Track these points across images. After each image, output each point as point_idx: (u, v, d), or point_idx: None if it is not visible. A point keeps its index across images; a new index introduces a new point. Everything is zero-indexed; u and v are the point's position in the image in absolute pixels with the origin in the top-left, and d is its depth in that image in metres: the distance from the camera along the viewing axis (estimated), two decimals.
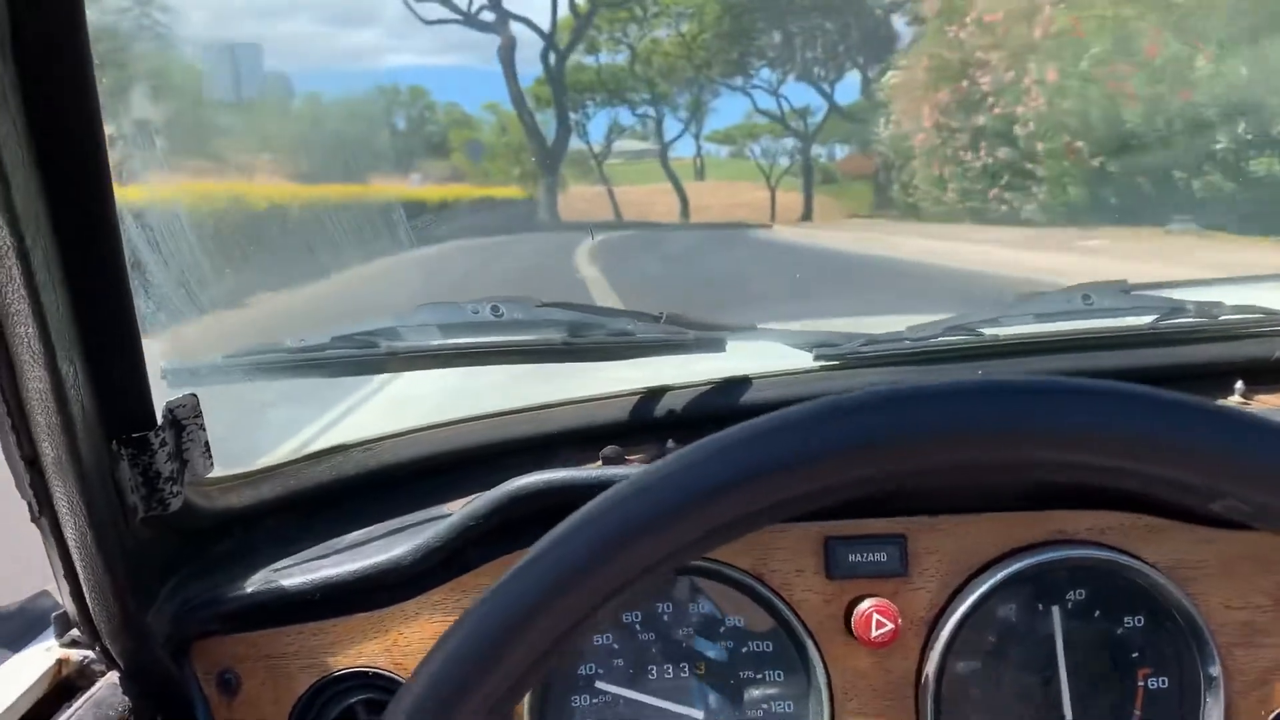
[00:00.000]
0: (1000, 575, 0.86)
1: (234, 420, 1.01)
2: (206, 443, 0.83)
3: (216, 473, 0.88)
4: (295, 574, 0.88)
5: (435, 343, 0.98)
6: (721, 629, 0.90)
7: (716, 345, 1.10)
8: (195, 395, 0.80)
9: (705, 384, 1.08)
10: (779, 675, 0.89)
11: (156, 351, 0.84)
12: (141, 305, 0.74)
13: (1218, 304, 1.16)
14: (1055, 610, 0.88)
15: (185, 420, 0.79)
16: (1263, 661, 0.88)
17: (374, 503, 0.98)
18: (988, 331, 1.13)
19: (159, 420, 0.77)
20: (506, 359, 1.00)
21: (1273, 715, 0.88)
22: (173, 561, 0.87)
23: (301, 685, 0.87)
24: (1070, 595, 0.89)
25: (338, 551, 0.91)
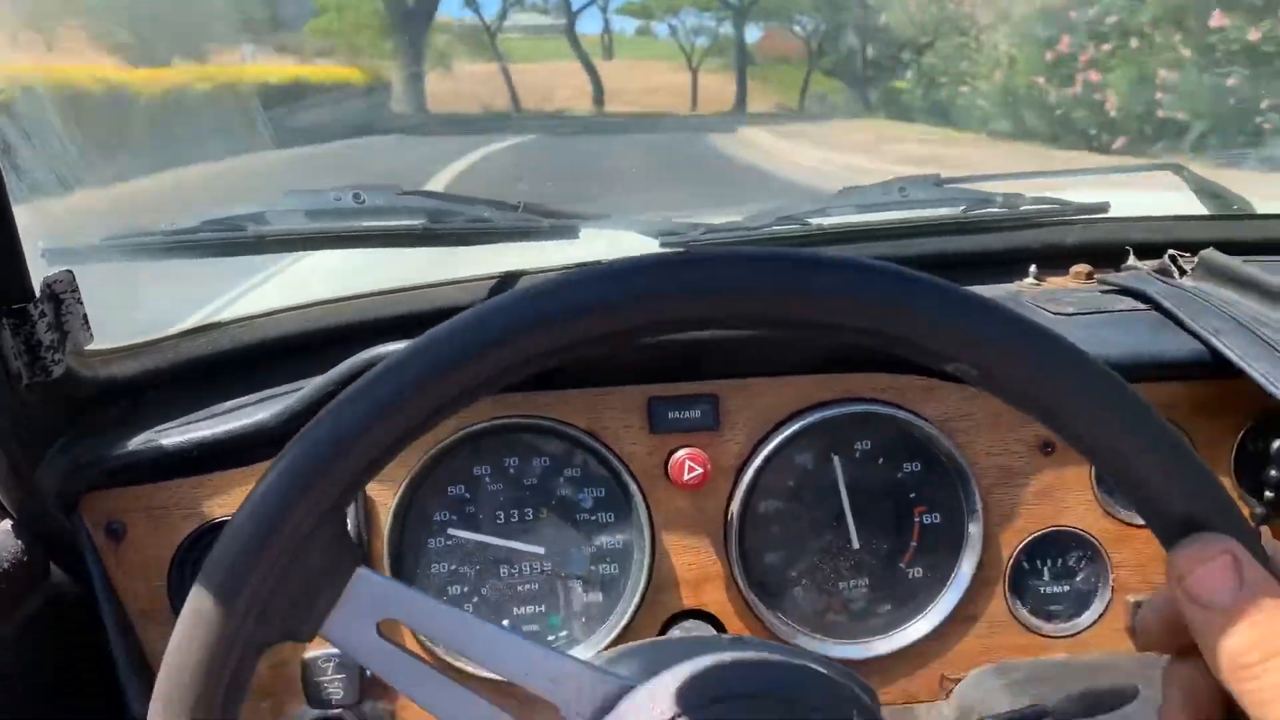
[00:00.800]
0: (796, 427, 1.00)
1: (127, 301, 1.09)
2: (85, 315, 0.91)
3: (100, 346, 0.98)
4: (175, 434, 0.97)
5: (300, 227, 1.06)
6: (561, 478, 1.03)
7: (570, 232, 1.20)
8: (71, 271, 0.88)
9: (558, 269, 1.19)
10: (611, 516, 1.03)
11: (36, 233, 0.92)
12: (13, 186, 0.81)
13: (1019, 196, 1.30)
14: (843, 457, 1.03)
15: (63, 294, 0.87)
16: (1016, 499, 1.04)
17: (248, 375, 1.08)
18: (814, 221, 1.26)
19: (37, 294, 0.86)
20: (368, 244, 1.09)
21: (1023, 543, 1.04)
22: (59, 425, 0.96)
23: (182, 532, 0.98)
24: (858, 445, 1.03)
25: (213, 416, 1.00)
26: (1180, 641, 0.49)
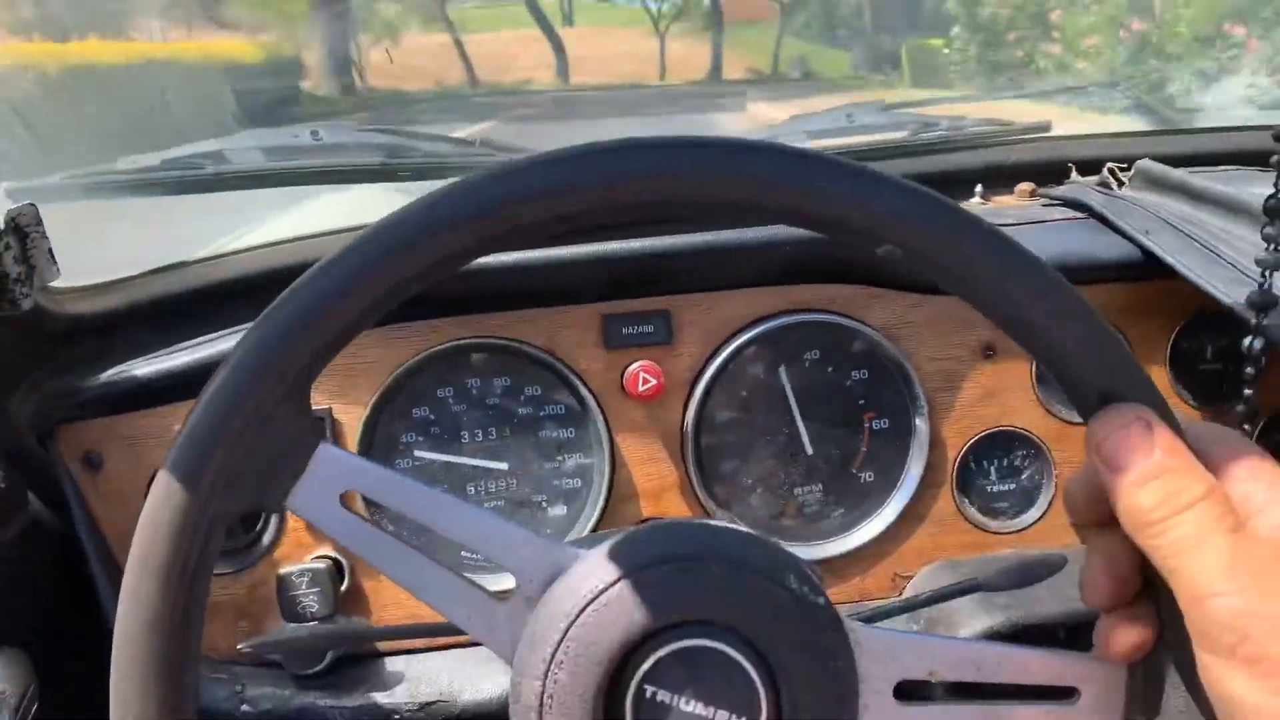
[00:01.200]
0: (746, 338, 1.04)
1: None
2: (50, 250, 0.94)
3: (67, 284, 1.00)
4: (148, 366, 1.00)
5: (259, 165, 1.09)
6: (522, 396, 1.06)
7: None
8: (34, 205, 0.91)
9: None
10: (571, 432, 1.06)
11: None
12: None
13: (963, 118, 1.34)
14: (793, 367, 1.07)
15: (28, 227, 0.90)
16: (960, 401, 1.08)
17: (218, 312, 1.10)
18: None
19: (1, 227, 0.88)
20: (325, 180, 1.11)
21: (968, 443, 1.09)
22: (30, 361, 0.98)
23: (157, 461, 1.01)
24: (807, 355, 1.07)
25: (186, 348, 1.03)
26: (1102, 510, 0.52)
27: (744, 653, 0.56)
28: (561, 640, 0.54)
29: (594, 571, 0.56)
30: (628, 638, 0.54)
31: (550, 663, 0.54)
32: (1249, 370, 0.87)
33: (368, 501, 0.88)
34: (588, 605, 0.55)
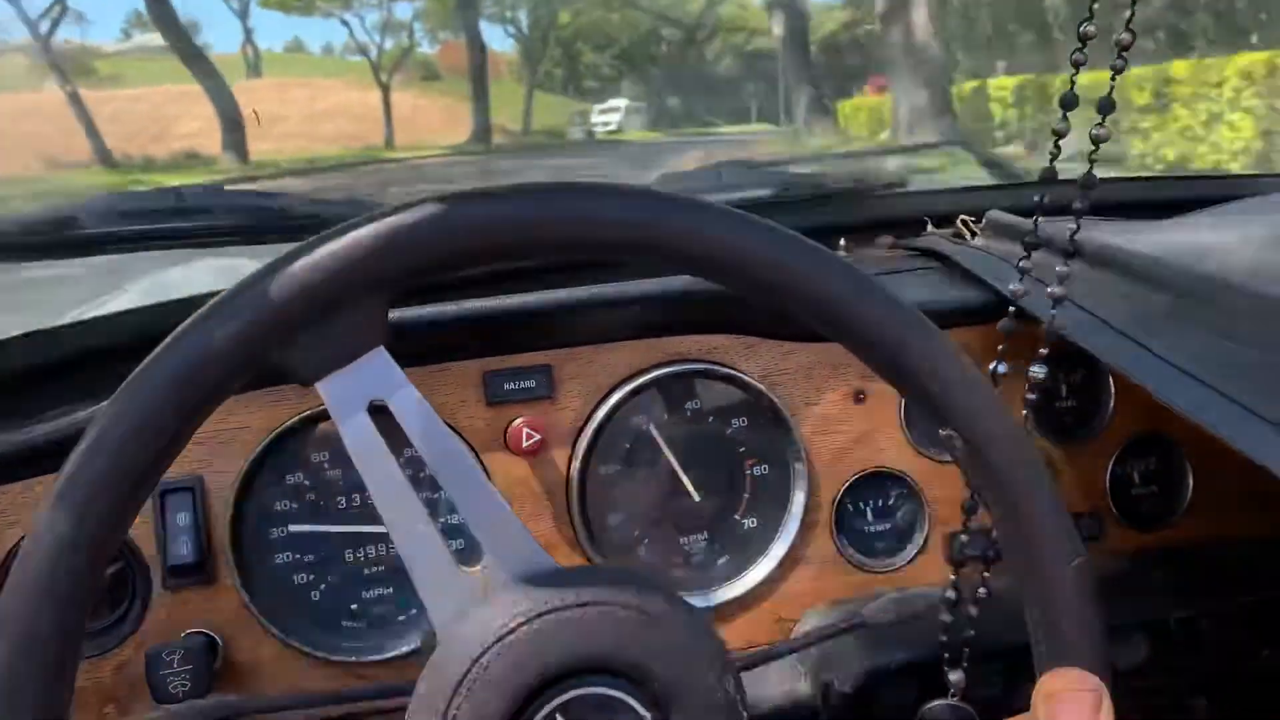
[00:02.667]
0: (626, 390, 1.05)
1: None
2: None
3: None
4: (5, 439, 0.95)
5: (113, 229, 1.05)
6: (401, 458, 1.04)
7: None
8: None
9: None
10: None
11: None
12: None
13: (824, 174, 1.40)
14: (674, 417, 1.08)
15: None
16: (835, 444, 1.11)
17: (84, 379, 1.05)
18: None
19: None
20: (185, 244, 1.08)
21: (845, 485, 1.12)
22: None
23: (7, 541, 0.95)
24: (688, 405, 1.09)
25: (40, 421, 0.98)
26: None
27: (643, 703, 0.56)
28: (474, 662, 0.55)
29: (565, 589, 0.58)
30: (544, 673, 0.55)
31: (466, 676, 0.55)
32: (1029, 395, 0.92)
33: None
34: (520, 627, 0.56)
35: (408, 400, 0.60)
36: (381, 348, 0.59)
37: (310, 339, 0.56)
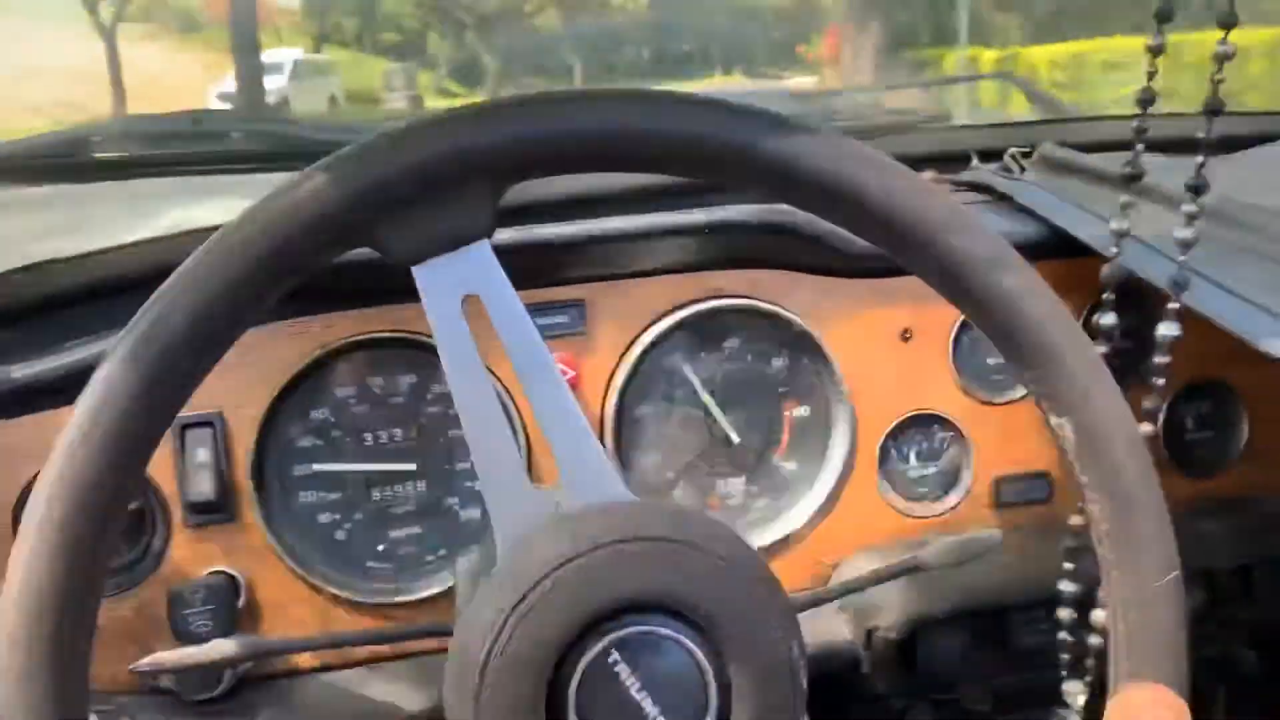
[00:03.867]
0: (663, 327, 1.00)
1: None
2: None
3: None
4: (14, 370, 0.91)
5: (131, 153, 1.01)
6: (429, 394, 1.00)
7: None
8: None
9: None
10: None
11: None
12: None
13: (869, 107, 1.34)
14: (712, 355, 1.04)
15: None
16: (879, 386, 1.07)
17: (93, 311, 1.01)
18: None
19: None
20: (202, 169, 1.04)
21: (888, 428, 1.07)
22: None
23: (24, 475, 0.91)
24: (726, 343, 1.04)
25: (58, 350, 0.94)
26: None
27: (704, 650, 0.53)
28: (538, 583, 0.51)
29: (638, 521, 0.54)
30: (606, 604, 0.52)
31: (520, 601, 0.51)
32: (1159, 361, 0.88)
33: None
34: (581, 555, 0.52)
35: (504, 298, 0.56)
36: (486, 240, 0.55)
37: (417, 218, 0.53)
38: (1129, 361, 1.13)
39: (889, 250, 0.57)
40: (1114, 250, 0.91)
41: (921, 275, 0.57)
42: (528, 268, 0.98)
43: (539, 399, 0.56)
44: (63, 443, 0.51)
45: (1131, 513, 0.56)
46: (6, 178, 0.96)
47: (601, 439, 1.01)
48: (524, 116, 0.53)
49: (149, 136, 1.02)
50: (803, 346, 1.05)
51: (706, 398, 1.03)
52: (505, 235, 0.98)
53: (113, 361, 0.51)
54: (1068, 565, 0.89)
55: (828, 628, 1.04)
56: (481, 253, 0.55)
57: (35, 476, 0.90)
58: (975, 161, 1.31)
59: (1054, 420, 0.57)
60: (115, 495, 0.51)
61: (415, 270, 0.55)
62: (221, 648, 0.76)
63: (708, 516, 0.57)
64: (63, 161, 0.98)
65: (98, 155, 0.99)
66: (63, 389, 0.91)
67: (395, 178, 0.51)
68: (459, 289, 0.55)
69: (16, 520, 0.92)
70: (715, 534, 0.55)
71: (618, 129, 0.53)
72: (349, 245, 0.53)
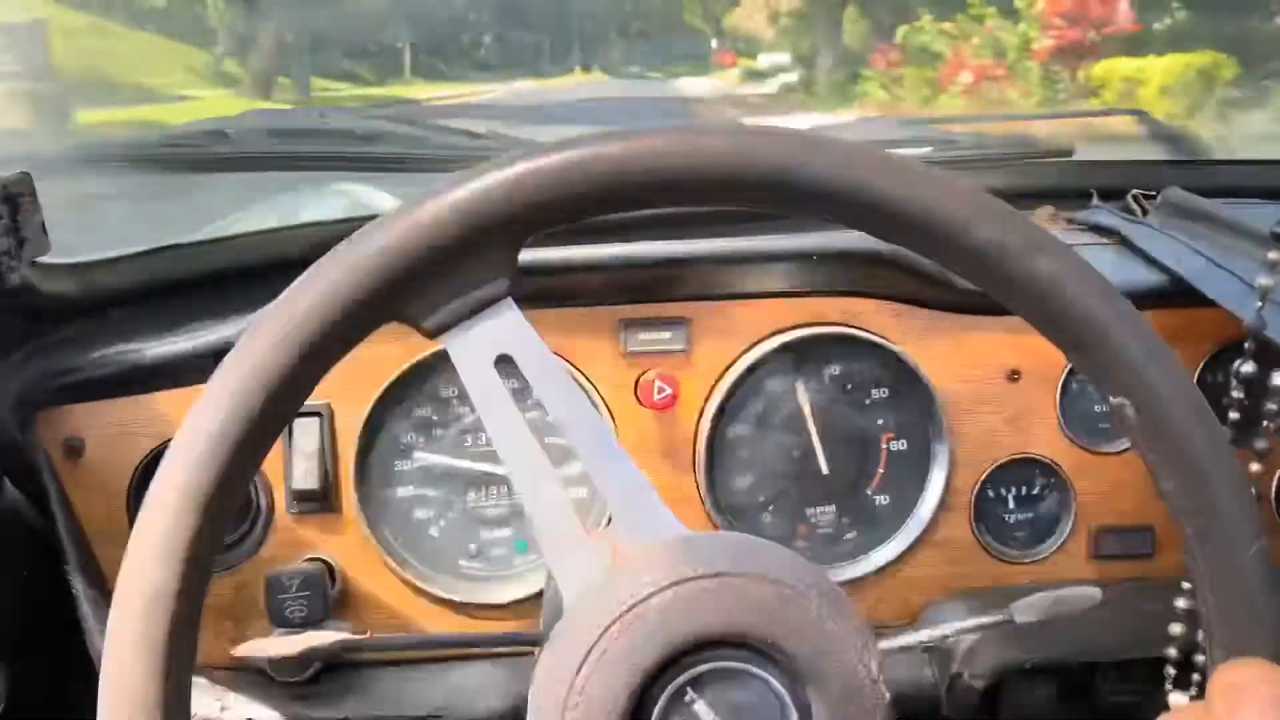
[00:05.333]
0: (765, 350, 1.00)
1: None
2: (43, 223, 0.89)
3: (58, 259, 0.95)
4: (138, 350, 0.95)
5: (261, 147, 1.04)
6: (530, 400, 1.01)
7: None
8: (29, 173, 0.86)
9: None
10: None
11: None
12: None
13: (985, 137, 1.32)
14: (812, 382, 1.03)
15: (19, 196, 0.85)
16: (982, 426, 1.04)
17: (213, 298, 1.05)
18: None
19: None
20: (328, 166, 1.07)
21: (988, 470, 1.05)
22: (15, 339, 0.93)
23: (142, 450, 0.96)
24: (827, 370, 1.04)
25: (179, 332, 0.98)
26: None
27: (780, 679, 0.53)
28: (604, 633, 0.51)
29: (698, 557, 0.54)
30: (674, 646, 0.51)
31: (604, 632, 0.51)
32: (1271, 406, 0.85)
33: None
34: (670, 587, 0.52)
35: (536, 354, 0.56)
36: (510, 299, 0.55)
37: (435, 291, 0.54)
38: (1242, 417, 1.09)
39: (917, 249, 0.56)
40: (1259, 305, 0.87)
41: (960, 272, 0.56)
42: (634, 282, 1.00)
43: (584, 445, 0.57)
44: (185, 437, 0.52)
45: (1206, 484, 0.53)
46: (146, 167, 1.01)
47: (694, 458, 1.01)
48: (528, 176, 0.52)
49: (280, 132, 1.05)
50: (905, 379, 1.03)
51: (804, 424, 1.03)
52: (612, 250, 0.99)
53: (235, 368, 0.52)
54: (1175, 628, 0.86)
55: (909, 668, 1.02)
56: (507, 312, 0.55)
57: (152, 451, 0.95)
58: (1095, 200, 1.28)
59: (1113, 401, 0.55)
60: (229, 492, 0.53)
61: (444, 340, 0.55)
62: (317, 639, 0.78)
63: (767, 544, 0.56)
64: (200, 153, 1.02)
65: (231, 149, 1.03)
66: (184, 371, 0.95)
67: (408, 257, 0.52)
68: (490, 351, 0.55)
69: (130, 492, 0.96)
70: (776, 560, 0.54)
71: (634, 171, 0.53)
72: (377, 324, 0.54)
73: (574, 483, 1.00)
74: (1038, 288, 0.54)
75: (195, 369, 0.95)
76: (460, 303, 0.54)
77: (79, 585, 0.94)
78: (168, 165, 1.02)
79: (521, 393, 0.57)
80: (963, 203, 0.54)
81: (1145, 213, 1.21)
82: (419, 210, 0.52)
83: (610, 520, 0.57)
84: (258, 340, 0.52)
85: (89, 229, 1.08)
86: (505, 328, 0.56)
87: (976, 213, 0.54)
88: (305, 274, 0.52)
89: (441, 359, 0.98)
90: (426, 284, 0.53)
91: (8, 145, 0.96)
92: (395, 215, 0.53)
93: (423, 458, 1.01)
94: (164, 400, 0.95)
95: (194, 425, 0.52)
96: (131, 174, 1.01)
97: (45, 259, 0.89)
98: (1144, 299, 1.05)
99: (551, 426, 0.58)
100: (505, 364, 0.56)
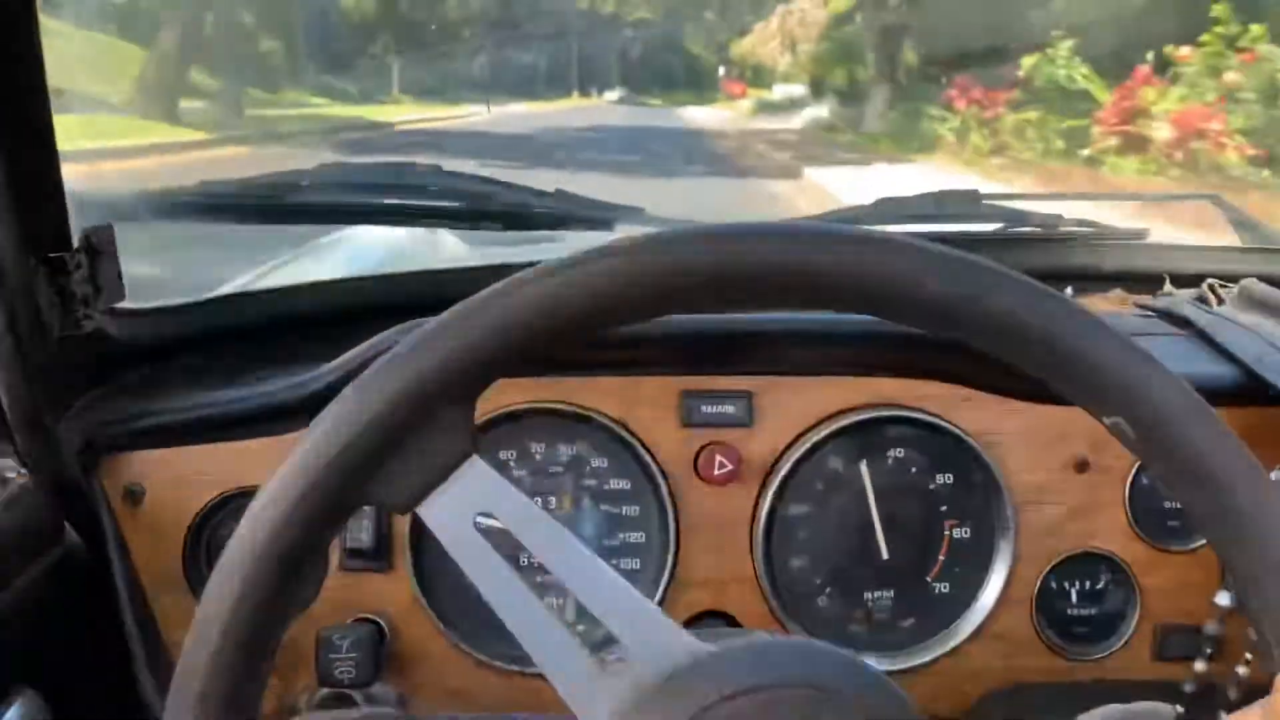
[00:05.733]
0: (830, 430, 0.98)
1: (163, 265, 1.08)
2: (120, 272, 0.90)
3: (130, 305, 0.96)
4: (203, 398, 0.96)
5: (337, 199, 1.05)
6: (587, 467, 1.01)
7: (604, 225, 1.19)
8: (111, 225, 0.87)
9: None
10: (635, 509, 1.01)
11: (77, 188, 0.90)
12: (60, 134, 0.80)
13: (1057, 216, 1.30)
14: (876, 464, 1.01)
15: (101, 246, 0.86)
16: (1048, 517, 1.02)
17: (279, 347, 1.06)
18: None
19: (75, 245, 0.84)
20: (404, 221, 1.07)
21: (1053, 563, 1.03)
22: (84, 383, 0.94)
23: (202, 500, 0.96)
24: (891, 452, 1.02)
25: (245, 382, 0.99)
26: None
27: None
28: None
29: (721, 675, 0.52)
30: None
31: None
32: None
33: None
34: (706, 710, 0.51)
35: (513, 505, 0.55)
36: (474, 456, 0.54)
37: (398, 471, 0.53)
38: None
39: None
40: None
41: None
42: (698, 353, 0.99)
43: (578, 585, 0.55)
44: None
45: (1218, 489, 0.52)
46: (220, 215, 1.02)
47: (752, 536, 1.00)
48: (463, 336, 0.51)
49: (355, 186, 1.06)
50: (971, 466, 1.01)
51: (866, 506, 1.01)
52: (673, 320, 0.97)
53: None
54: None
55: None
56: (474, 471, 0.54)
57: (210, 503, 0.95)
58: (1168, 286, 1.25)
59: (1107, 421, 0.53)
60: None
61: (419, 513, 0.54)
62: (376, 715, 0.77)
63: (799, 644, 0.55)
64: (271, 204, 1.03)
65: (303, 200, 1.04)
66: (245, 423, 0.96)
67: (357, 448, 0.51)
68: (467, 512, 0.54)
69: (188, 542, 0.96)
70: (813, 662, 0.53)
71: (550, 325, 0.52)
72: (351, 511, 0.54)
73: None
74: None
75: (256, 422, 0.95)
76: (424, 476, 0.53)
77: (132, 633, 0.94)
78: (244, 215, 1.03)
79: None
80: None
81: (1220, 302, 1.19)
82: (361, 395, 0.52)
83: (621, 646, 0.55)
84: (236, 553, 0.52)
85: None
86: (476, 486, 0.54)
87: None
88: (266, 491, 0.52)
89: (501, 422, 0.98)
90: (386, 466, 0.52)
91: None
92: (341, 403, 0.52)
93: (478, 520, 1.00)
94: (224, 452, 0.96)
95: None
96: (208, 221, 1.02)
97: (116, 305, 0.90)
98: (1218, 395, 1.02)
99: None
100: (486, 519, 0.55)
